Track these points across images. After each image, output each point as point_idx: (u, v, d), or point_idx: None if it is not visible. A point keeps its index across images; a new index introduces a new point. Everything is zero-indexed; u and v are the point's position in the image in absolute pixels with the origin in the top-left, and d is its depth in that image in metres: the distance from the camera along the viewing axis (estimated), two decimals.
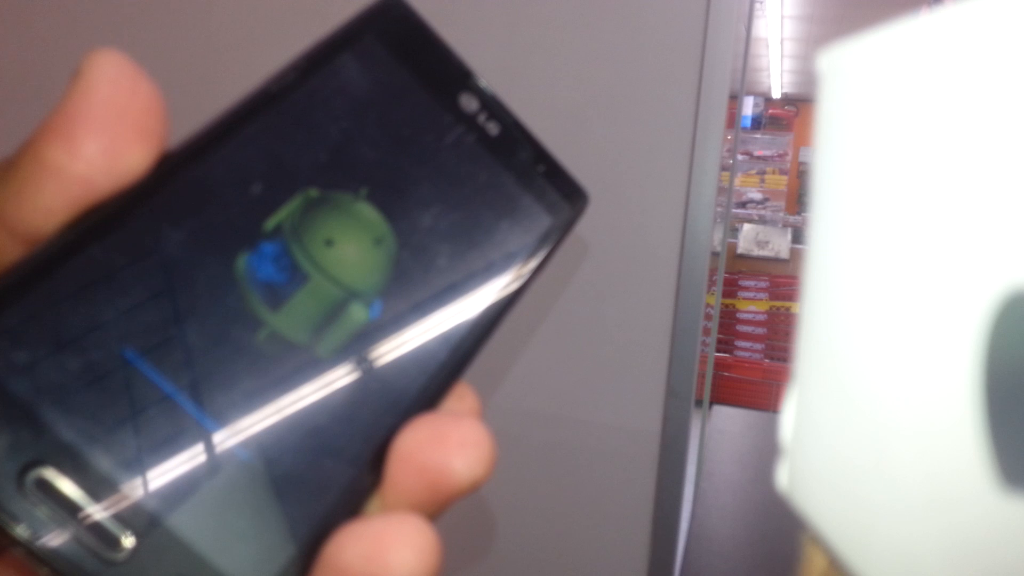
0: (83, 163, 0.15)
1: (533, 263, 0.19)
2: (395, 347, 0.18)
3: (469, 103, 0.19)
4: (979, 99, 0.13)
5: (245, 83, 0.17)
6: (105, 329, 0.15)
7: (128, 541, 0.14)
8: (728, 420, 1.68)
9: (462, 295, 0.18)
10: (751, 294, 3.89)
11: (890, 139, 0.15)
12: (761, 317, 3.86)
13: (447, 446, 0.16)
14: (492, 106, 0.20)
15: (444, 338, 0.18)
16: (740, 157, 4.56)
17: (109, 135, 0.15)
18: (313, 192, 0.17)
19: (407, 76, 0.19)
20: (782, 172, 4.64)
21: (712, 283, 2.33)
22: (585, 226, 0.93)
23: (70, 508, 0.14)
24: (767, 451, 1.47)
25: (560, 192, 0.20)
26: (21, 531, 0.13)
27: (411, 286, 0.18)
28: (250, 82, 0.17)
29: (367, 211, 0.18)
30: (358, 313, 0.17)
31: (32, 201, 0.14)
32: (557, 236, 0.20)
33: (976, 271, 0.13)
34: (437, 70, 0.19)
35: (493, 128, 0.20)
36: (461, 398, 0.18)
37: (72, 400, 0.14)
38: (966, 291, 0.14)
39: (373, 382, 0.17)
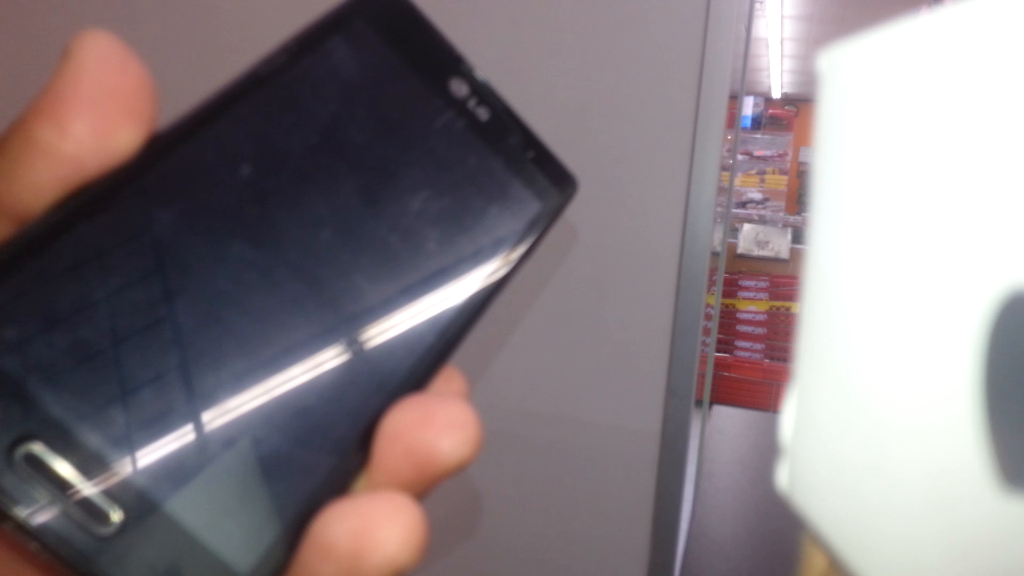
0: (72, 142, 0.15)
1: (522, 248, 0.20)
2: (384, 329, 0.18)
3: (459, 88, 0.19)
4: (979, 99, 0.13)
5: (236, 66, 0.17)
6: (94, 307, 0.15)
7: (116, 516, 0.14)
8: (728, 420, 1.68)
9: (450, 278, 0.19)
10: (751, 294, 3.88)
11: (890, 139, 0.15)
12: (761, 317, 3.86)
13: (434, 426, 0.16)
14: (482, 91, 0.20)
15: (432, 321, 0.18)
16: (740, 157, 4.56)
17: (98, 115, 0.15)
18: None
19: (397, 60, 0.19)
20: (782, 172, 4.63)
21: (712, 283, 2.33)
22: (585, 225, 0.94)
23: (59, 483, 0.14)
24: (767, 451, 1.47)
25: (549, 178, 0.20)
26: (10, 506, 0.13)
27: (399, 269, 0.18)
28: (241, 65, 0.17)
29: None
30: None
31: (21, 180, 0.14)
32: (546, 221, 0.20)
33: (976, 271, 0.13)
34: (427, 55, 0.19)
35: (483, 113, 0.20)
36: (449, 380, 0.18)
37: (61, 377, 0.14)
38: (966, 291, 0.14)
39: (361, 363, 0.17)
